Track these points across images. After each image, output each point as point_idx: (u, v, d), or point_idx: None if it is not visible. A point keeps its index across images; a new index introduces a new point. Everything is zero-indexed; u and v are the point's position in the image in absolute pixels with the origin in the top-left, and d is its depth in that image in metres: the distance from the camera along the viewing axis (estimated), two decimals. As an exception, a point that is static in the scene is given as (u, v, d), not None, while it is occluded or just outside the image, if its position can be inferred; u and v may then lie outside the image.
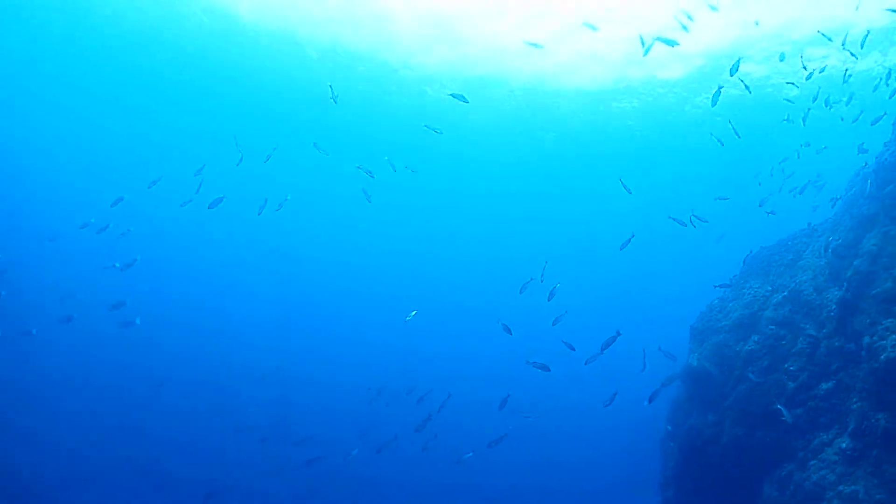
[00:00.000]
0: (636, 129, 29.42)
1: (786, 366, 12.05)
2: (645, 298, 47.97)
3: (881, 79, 16.37)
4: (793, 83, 20.98)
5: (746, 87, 16.33)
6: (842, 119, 16.89)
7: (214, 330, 39.69)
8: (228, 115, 32.62)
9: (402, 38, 23.05)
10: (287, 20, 23.00)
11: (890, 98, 15.75)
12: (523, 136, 31.58)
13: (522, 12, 20.59)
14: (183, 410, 31.40)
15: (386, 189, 28.97)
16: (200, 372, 34.87)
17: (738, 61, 14.31)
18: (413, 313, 17.46)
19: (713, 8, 16.88)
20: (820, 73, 17.88)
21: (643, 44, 13.47)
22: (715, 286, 14.29)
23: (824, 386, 10.83)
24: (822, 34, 15.99)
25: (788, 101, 18.27)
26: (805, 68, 18.71)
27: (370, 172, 16.50)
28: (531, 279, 17.05)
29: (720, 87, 15.74)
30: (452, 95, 15.50)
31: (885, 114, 16.11)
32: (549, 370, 12.92)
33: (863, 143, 14.62)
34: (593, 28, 16.94)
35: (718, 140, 17.83)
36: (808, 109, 17.91)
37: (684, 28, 13.75)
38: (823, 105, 16.92)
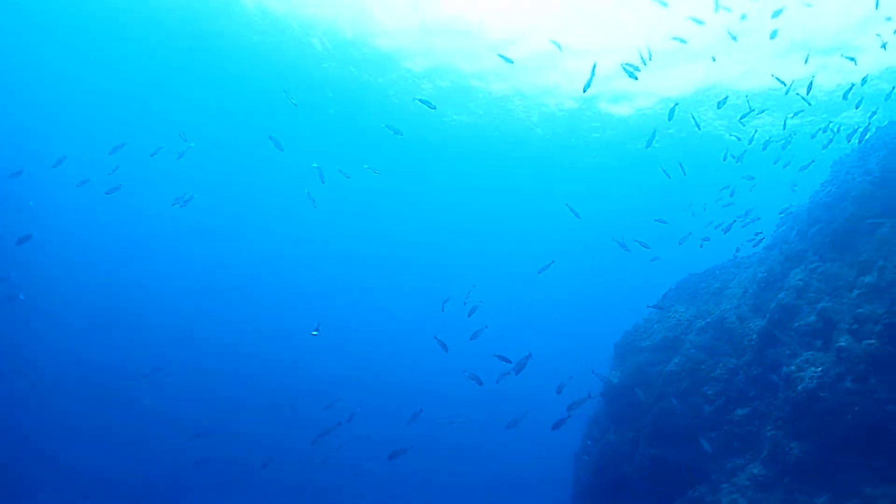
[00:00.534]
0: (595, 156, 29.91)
1: (704, 389, 12.20)
2: (576, 317, 49.14)
3: (820, 130, 17.37)
4: (736, 136, 22.46)
5: (697, 124, 17.00)
6: (774, 162, 17.74)
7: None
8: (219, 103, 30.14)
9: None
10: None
11: (824, 148, 16.63)
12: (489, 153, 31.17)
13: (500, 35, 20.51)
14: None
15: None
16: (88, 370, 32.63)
17: (675, 107, 15.28)
18: (315, 332, 17.32)
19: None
20: (759, 115, 18.82)
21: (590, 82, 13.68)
22: (648, 306, 14.40)
23: (740, 412, 10.99)
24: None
25: (737, 137, 19.33)
26: (742, 121, 19.93)
27: (323, 175, 15.79)
28: (448, 298, 16.97)
29: (654, 131, 16.61)
30: (420, 101, 15.13)
31: (813, 161, 17.11)
32: (482, 384, 12.66)
33: (794, 183, 15.31)
34: (559, 47, 17.20)
35: (665, 172, 18.37)
36: (744, 151, 18.75)
37: (633, 77, 14.33)
38: (761, 148, 17.74)
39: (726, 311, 13.55)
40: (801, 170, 17.05)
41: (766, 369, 11.09)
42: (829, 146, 16.46)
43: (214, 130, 31.47)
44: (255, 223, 44.42)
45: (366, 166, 20.12)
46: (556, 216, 30.08)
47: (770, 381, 10.76)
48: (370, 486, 32.55)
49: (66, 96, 30.05)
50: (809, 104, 18.20)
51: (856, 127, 14.58)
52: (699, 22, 14.65)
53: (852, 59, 15.00)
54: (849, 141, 14.71)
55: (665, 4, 14.34)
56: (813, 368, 9.59)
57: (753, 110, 17.40)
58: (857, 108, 16.29)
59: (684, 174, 17.68)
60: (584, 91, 15.84)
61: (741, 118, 19.61)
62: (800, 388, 9.53)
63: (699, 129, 18.21)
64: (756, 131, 21.21)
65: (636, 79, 14.67)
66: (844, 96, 15.46)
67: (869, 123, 13.34)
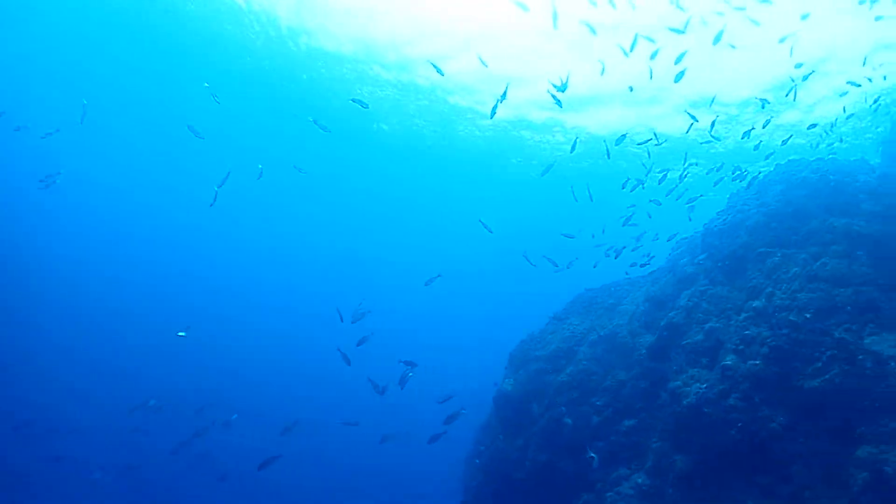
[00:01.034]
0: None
1: (593, 400, 12.50)
2: (472, 325, 49.78)
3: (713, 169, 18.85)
4: (644, 164, 24.13)
5: (608, 152, 17.99)
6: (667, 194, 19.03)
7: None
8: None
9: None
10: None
11: (715, 185, 17.99)
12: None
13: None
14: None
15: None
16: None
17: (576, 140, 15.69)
18: (182, 334, 16.75)
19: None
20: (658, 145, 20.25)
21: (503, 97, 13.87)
22: (550, 317, 14.62)
23: (627, 423, 11.32)
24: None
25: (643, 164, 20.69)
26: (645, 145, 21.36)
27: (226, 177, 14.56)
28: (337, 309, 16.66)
29: (551, 165, 17.47)
30: (353, 101, 14.44)
31: (701, 195, 18.50)
32: (382, 393, 12.31)
33: (693, 208, 16.37)
34: (483, 63, 17.36)
35: (573, 193, 19.07)
36: (648, 173, 19.97)
37: (559, 104, 14.84)
38: (657, 172, 18.96)
39: (619, 326, 14.04)
40: (688, 203, 18.37)
41: (653, 383, 11.53)
42: (719, 184, 17.88)
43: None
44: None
45: (295, 166, 19.65)
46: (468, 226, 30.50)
47: (657, 395, 11.19)
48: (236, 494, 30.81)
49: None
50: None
51: (743, 170, 15.97)
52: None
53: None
54: (734, 181, 16.06)
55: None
56: (698, 385, 10.04)
57: (652, 139, 18.69)
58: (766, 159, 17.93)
59: (591, 200, 18.71)
60: (491, 117, 16.40)
61: (639, 144, 21.07)
62: (685, 402, 9.94)
63: (609, 157, 19.44)
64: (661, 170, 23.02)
65: (561, 106, 15.12)
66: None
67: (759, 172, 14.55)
